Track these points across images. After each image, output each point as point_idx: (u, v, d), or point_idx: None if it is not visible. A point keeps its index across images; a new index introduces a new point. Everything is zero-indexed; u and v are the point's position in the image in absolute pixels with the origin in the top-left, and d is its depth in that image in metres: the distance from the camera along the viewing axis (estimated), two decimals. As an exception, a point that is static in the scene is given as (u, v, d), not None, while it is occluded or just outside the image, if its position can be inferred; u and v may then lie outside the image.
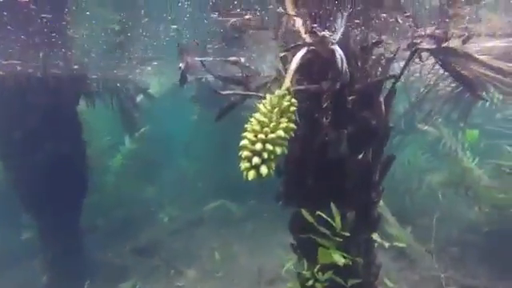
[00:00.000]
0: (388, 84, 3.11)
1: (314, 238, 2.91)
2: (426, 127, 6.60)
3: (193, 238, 8.29)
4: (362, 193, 2.99)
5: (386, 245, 3.06)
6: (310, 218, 2.75)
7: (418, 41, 2.64)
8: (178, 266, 6.94)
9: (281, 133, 2.16)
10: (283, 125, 2.20)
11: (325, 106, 2.88)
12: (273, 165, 2.15)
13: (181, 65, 4.16)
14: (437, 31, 2.57)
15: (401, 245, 4.46)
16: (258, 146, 2.09)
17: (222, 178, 10.93)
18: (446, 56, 2.59)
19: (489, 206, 5.64)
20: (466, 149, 6.79)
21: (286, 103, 2.27)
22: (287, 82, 2.41)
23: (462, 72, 2.55)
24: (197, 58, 4.07)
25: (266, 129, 2.17)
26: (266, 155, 2.09)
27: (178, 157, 13.80)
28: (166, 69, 8.44)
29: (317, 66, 2.90)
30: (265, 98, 2.50)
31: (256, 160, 2.07)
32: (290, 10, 2.99)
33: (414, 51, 2.70)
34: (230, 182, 10.87)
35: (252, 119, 2.24)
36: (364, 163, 2.91)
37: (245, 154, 2.10)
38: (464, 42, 2.60)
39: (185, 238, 8.34)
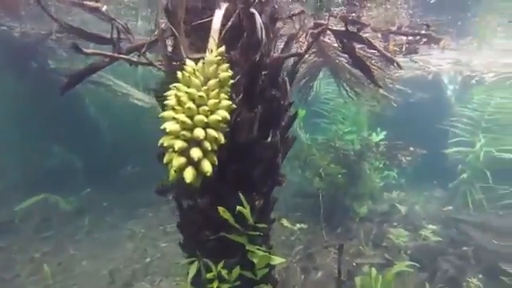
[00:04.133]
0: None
1: (222, 235, 2.53)
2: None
3: (2, 252, 6.01)
4: (269, 178, 2.80)
5: (296, 227, 3.02)
6: (226, 215, 2.32)
7: (325, 22, 2.58)
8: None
9: (224, 113, 1.61)
10: (224, 102, 1.65)
11: (236, 80, 2.45)
12: (215, 159, 1.58)
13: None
14: (352, 14, 2.60)
15: (290, 226, 4.71)
16: (199, 133, 1.47)
17: (36, 166, 8.53)
18: (349, 41, 2.66)
19: (323, 175, 6.78)
20: (302, 127, 7.89)
21: (223, 73, 1.70)
22: (213, 46, 1.82)
23: (362, 59, 2.72)
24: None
25: (203, 107, 1.55)
26: (208, 145, 1.50)
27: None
28: None
29: (227, 31, 2.40)
30: (162, 63, 1.82)
31: (196, 152, 1.45)
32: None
33: (322, 30, 2.63)
34: (49, 169, 8.64)
35: (178, 93, 1.55)
36: (272, 146, 2.70)
37: (177, 144, 1.43)
38: (359, 30, 2.74)
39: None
